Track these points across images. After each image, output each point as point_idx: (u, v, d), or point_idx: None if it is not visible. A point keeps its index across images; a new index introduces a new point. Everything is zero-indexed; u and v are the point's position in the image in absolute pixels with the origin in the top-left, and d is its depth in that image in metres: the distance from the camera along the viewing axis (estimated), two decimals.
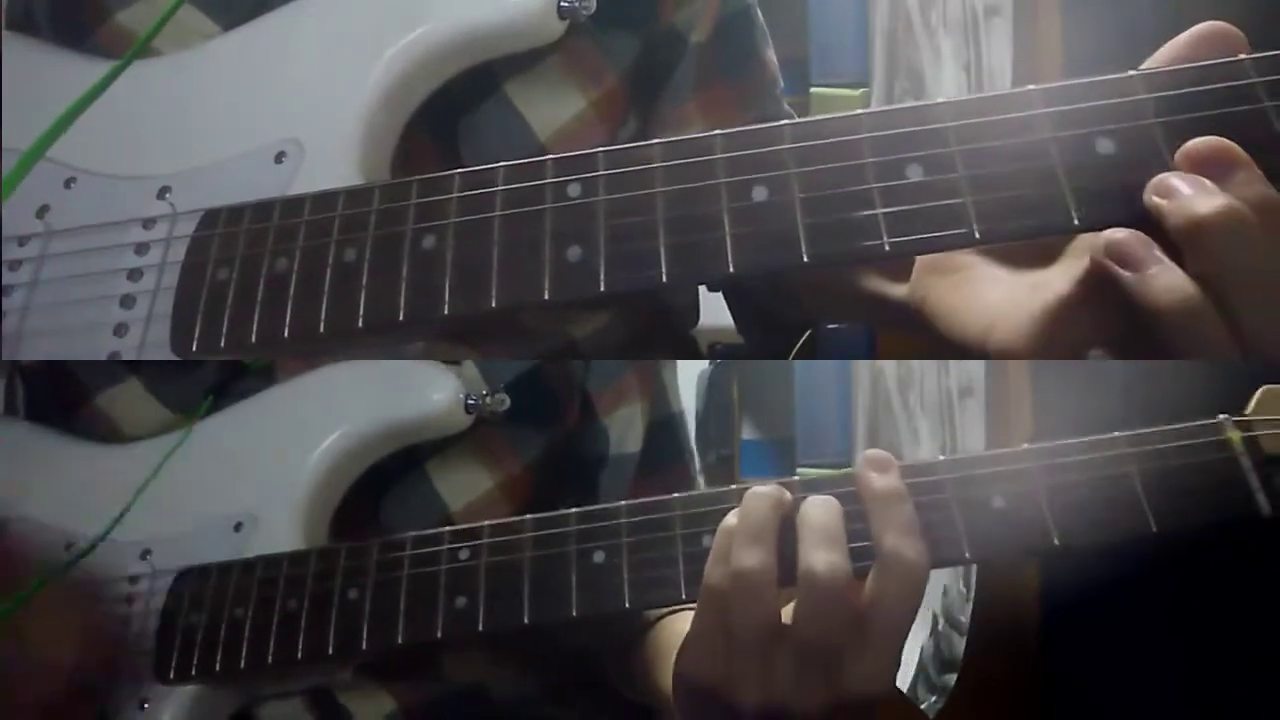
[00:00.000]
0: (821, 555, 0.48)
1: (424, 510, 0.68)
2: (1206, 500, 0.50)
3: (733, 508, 0.52)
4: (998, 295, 0.49)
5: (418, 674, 0.68)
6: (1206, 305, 0.41)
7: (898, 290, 0.57)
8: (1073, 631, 0.82)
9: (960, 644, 0.90)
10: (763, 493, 0.51)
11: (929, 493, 0.51)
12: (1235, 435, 0.51)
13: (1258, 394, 0.52)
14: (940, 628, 0.95)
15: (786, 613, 0.50)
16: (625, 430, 0.75)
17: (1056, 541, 0.50)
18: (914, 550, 0.49)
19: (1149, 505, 0.50)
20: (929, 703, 0.93)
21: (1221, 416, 0.51)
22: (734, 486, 0.54)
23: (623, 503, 0.56)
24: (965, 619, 0.90)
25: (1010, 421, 0.98)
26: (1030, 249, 0.50)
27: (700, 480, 0.83)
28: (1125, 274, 0.43)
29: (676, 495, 0.56)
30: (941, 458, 0.53)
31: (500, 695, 0.71)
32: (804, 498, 0.51)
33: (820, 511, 0.50)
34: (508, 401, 0.67)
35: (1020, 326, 0.47)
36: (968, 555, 0.51)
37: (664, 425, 0.78)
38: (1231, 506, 0.50)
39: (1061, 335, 0.46)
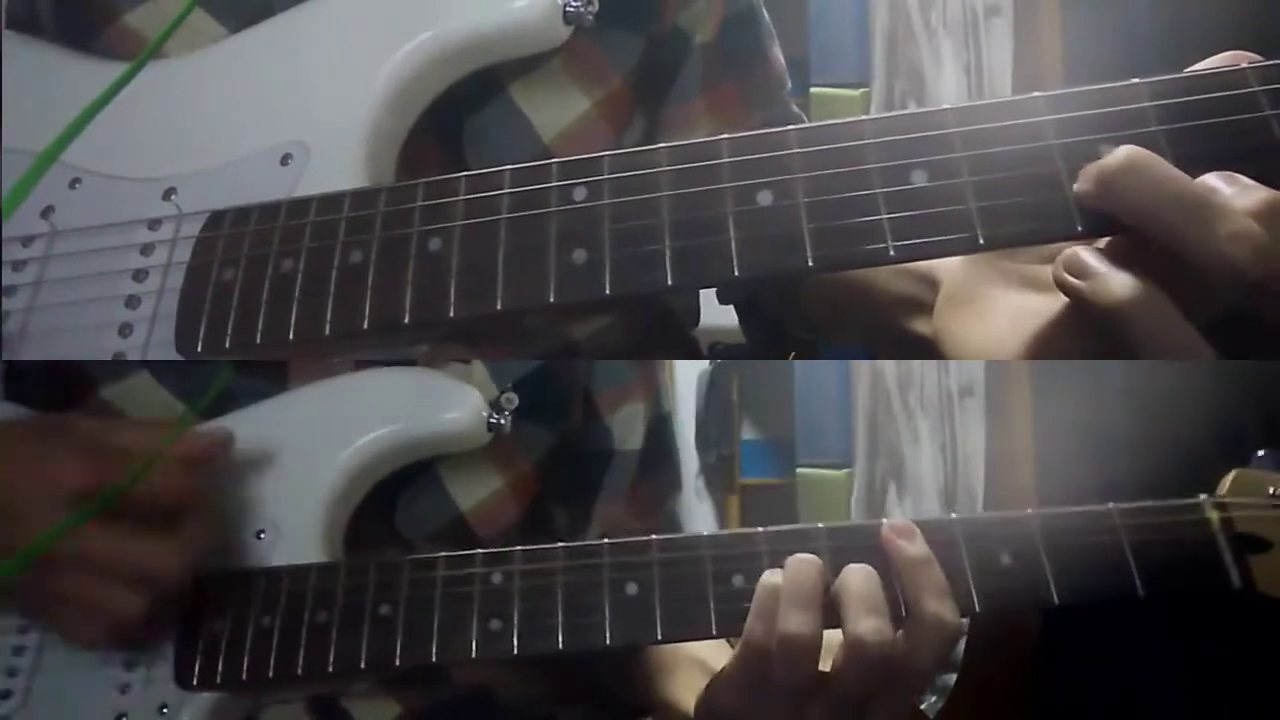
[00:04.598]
0: (869, 622, 0.52)
1: (435, 510, 0.68)
2: (1187, 571, 0.55)
3: (760, 552, 0.56)
4: (1000, 329, 0.52)
5: (421, 678, 0.68)
6: (1150, 306, 0.44)
7: (921, 325, 0.59)
8: (1072, 632, 0.82)
9: (960, 644, 0.91)
10: (807, 560, 0.54)
11: (943, 549, 0.55)
12: (1214, 515, 0.55)
13: (1230, 476, 0.57)
14: None
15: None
16: (628, 428, 0.75)
17: (1056, 600, 0.55)
18: (951, 612, 0.53)
19: (1137, 573, 0.55)
20: (929, 703, 0.93)
21: (1202, 497, 0.56)
22: (759, 530, 0.57)
23: (653, 537, 0.58)
24: (965, 619, 0.90)
25: (1010, 421, 0.98)
26: (1041, 251, 0.52)
27: (688, 481, 0.85)
28: (1077, 282, 0.45)
29: (705, 535, 0.58)
30: (954, 515, 0.57)
31: (504, 698, 0.72)
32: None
33: (861, 580, 0.54)
34: (516, 400, 0.67)
35: (1013, 355, 0.51)
36: (977, 608, 0.55)
37: (660, 424, 0.78)
38: (1208, 578, 0.55)
39: (1050, 356, 0.50)
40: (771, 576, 0.54)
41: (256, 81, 0.62)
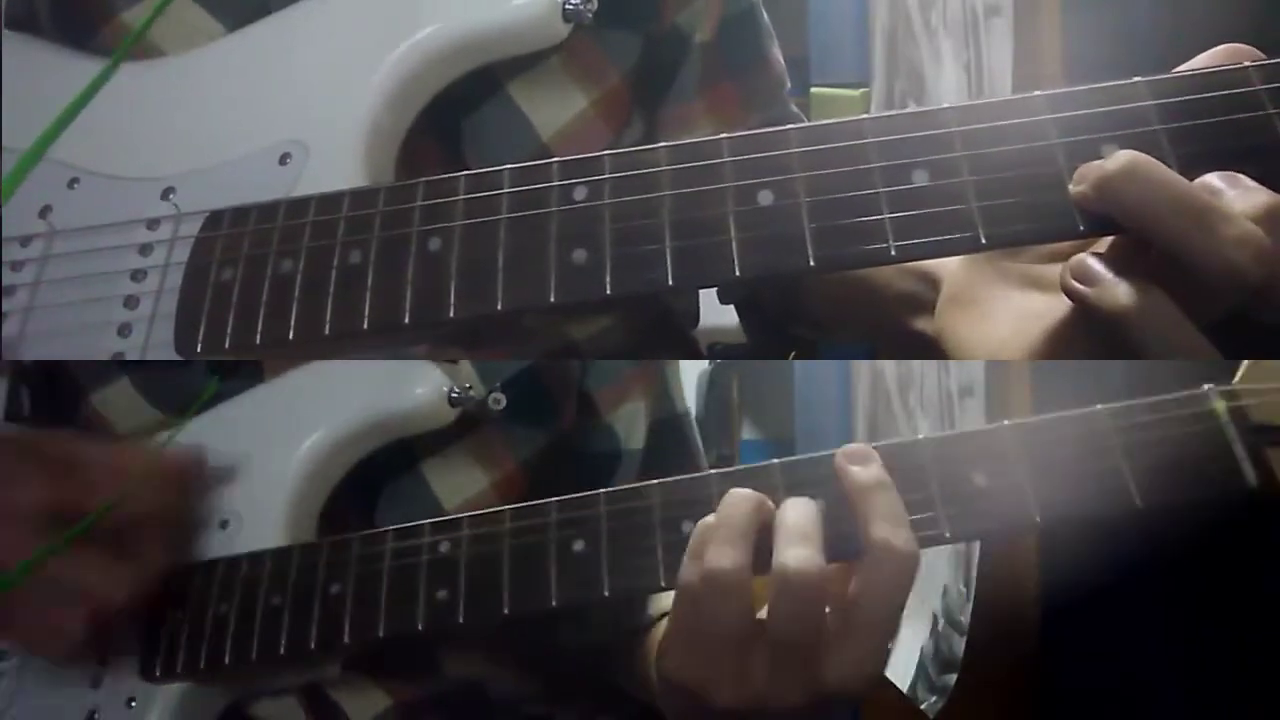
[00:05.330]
0: (792, 551, 0.48)
1: (419, 510, 0.68)
2: (1192, 473, 0.48)
3: (711, 495, 0.53)
4: (1005, 331, 0.52)
5: (412, 671, 0.68)
6: (1155, 311, 0.44)
7: (923, 324, 0.59)
8: (1072, 632, 0.82)
9: (960, 644, 0.91)
10: (742, 494, 0.51)
11: (908, 473, 0.51)
12: (1220, 405, 0.49)
13: (1243, 366, 0.50)
14: (940, 628, 0.96)
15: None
16: (630, 427, 0.75)
17: (1038, 519, 0.49)
18: (903, 539, 0.49)
19: (1133, 480, 0.49)
20: (929, 703, 0.93)
21: (1206, 387, 0.50)
22: (713, 472, 0.54)
23: (601, 491, 0.56)
24: (965, 619, 0.90)
25: None
26: (1041, 251, 0.52)
27: None
28: (1083, 289, 0.45)
29: (656, 482, 0.55)
30: (920, 437, 0.52)
31: (496, 693, 0.71)
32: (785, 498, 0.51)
33: (796, 511, 0.50)
34: (504, 401, 0.67)
35: (1018, 356, 0.50)
36: (947, 536, 0.50)
37: (668, 424, 0.78)
38: (1218, 478, 0.48)
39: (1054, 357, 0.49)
40: (708, 518, 0.51)
41: (254, 81, 0.61)
